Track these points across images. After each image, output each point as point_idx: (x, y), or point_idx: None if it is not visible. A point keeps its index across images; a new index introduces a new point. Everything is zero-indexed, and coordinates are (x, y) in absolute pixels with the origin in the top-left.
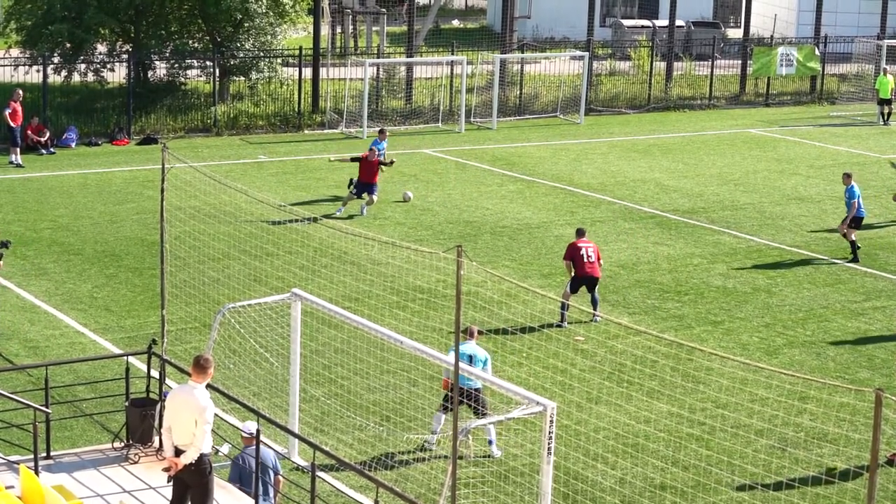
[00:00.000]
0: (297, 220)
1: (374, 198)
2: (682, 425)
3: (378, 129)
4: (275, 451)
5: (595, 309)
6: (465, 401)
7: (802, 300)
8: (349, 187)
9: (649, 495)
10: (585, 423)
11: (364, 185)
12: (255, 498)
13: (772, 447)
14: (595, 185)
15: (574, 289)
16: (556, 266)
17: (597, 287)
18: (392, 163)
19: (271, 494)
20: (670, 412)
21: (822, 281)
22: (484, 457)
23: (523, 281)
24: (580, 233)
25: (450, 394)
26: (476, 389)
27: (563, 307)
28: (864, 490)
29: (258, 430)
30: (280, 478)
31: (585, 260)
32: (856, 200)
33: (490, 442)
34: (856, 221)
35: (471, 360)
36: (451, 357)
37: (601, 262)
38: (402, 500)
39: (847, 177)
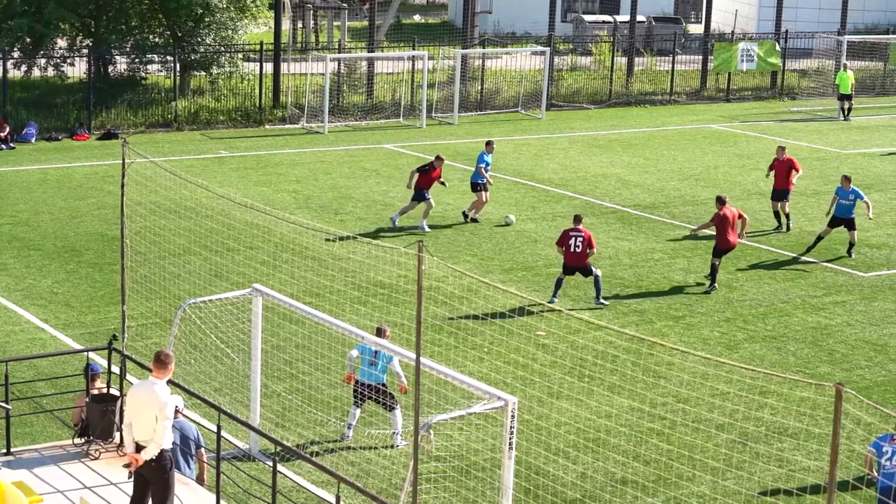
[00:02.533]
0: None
1: (431, 202)
2: (643, 420)
3: (486, 140)
4: (198, 424)
5: (598, 293)
6: (371, 395)
7: (763, 295)
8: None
9: (610, 490)
10: (547, 418)
11: (420, 190)
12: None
13: (732, 441)
14: (556, 181)
15: (566, 273)
16: (517, 261)
17: (591, 274)
18: (444, 184)
19: (192, 466)
20: (631, 407)
21: (782, 276)
22: (389, 446)
23: (484, 276)
24: (576, 219)
25: (355, 388)
26: (382, 384)
27: (557, 284)
28: (825, 484)
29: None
30: (203, 451)
31: (571, 249)
32: (865, 201)
33: (395, 433)
34: (843, 222)
35: (375, 355)
36: (356, 352)
37: (593, 249)
38: (363, 496)
39: (846, 179)
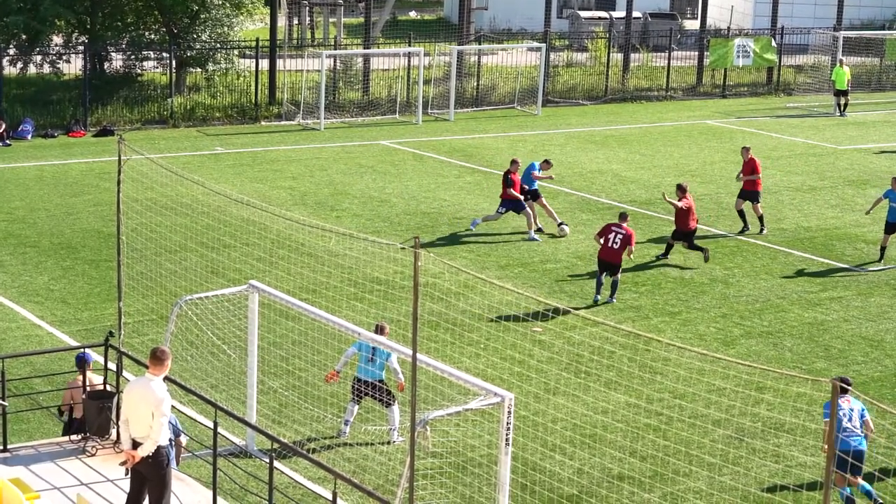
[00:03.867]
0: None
1: (525, 213)
2: (639, 416)
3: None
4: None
5: (613, 292)
6: (369, 392)
7: (759, 291)
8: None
9: (607, 486)
10: (543, 414)
11: (508, 203)
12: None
13: (729, 437)
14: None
15: (599, 268)
16: (513, 257)
17: (618, 272)
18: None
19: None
20: (628, 403)
21: (778, 272)
22: (385, 443)
23: (481, 272)
24: (622, 217)
25: (353, 384)
26: (380, 381)
27: (598, 283)
28: (821, 480)
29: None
30: (181, 440)
31: (609, 244)
32: None
33: (392, 429)
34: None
35: (373, 352)
36: (354, 349)
37: (632, 248)
38: (359, 492)
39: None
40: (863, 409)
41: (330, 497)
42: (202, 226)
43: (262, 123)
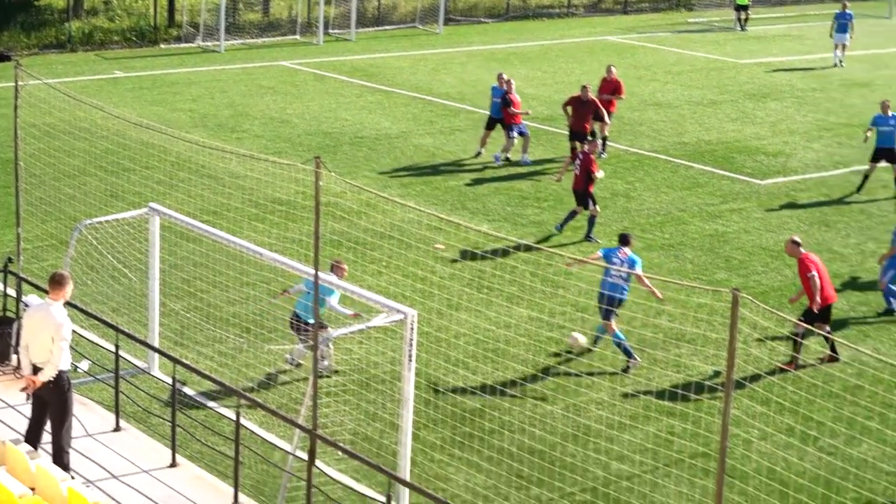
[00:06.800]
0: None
1: (510, 140)
2: (542, 329)
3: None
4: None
5: (589, 230)
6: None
7: (660, 204)
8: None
9: (510, 399)
10: (446, 330)
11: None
12: None
13: (631, 348)
14: (454, 95)
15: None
16: (416, 176)
17: (587, 202)
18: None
19: None
20: (530, 317)
21: (679, 185)
22: (295, 365)
23: (383, 191)
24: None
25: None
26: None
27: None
28: (722, 388)
29: None
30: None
31: (573, 170)
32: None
33: (322, 360)
34: (885, 154)
35: (316, 292)
36: (303, 286)
37: (594, 173)
38: (263, 411)
39: (885, 106)
40: (634, 262)
41: (233, 416)
42: (101, 150)
43: (162, 46)
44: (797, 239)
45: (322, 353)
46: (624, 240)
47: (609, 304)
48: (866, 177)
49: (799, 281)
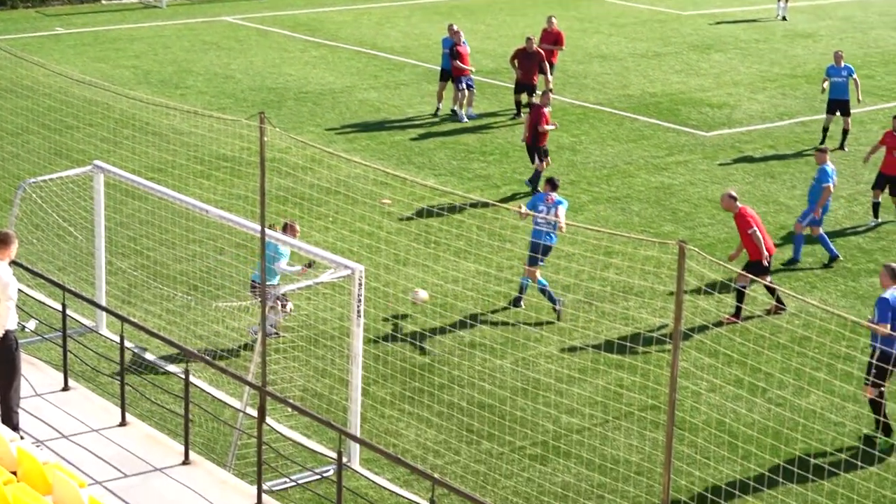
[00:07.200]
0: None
1: (460, 92)
2: (489, 283)
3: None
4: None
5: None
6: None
7: (606, 157)
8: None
9: (459, 353)
10: (394, 285)
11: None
12: None
13: (579, 301)
14: (398, 49)
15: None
16: (361, 131)
17: (534, 155)
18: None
19: None
20: (478, 271)
21: (625, 137)
22: (275, 334)
23: (328, 146)
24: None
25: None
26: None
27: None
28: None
29: None
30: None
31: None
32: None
33: (271, 325)
34: (839, 106)
35: (275, 251)
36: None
37: (541, 126)
38: (212, 369)
39: (839, 56)
40: (560, 204)
41: (182, 375)
42: (44, 108)
43: (103, 2)
44: (733, 193)
45: (271, 311)
46: (552, 183)
47: (535, 250)
48: (825, 129)
49: (738, 236)
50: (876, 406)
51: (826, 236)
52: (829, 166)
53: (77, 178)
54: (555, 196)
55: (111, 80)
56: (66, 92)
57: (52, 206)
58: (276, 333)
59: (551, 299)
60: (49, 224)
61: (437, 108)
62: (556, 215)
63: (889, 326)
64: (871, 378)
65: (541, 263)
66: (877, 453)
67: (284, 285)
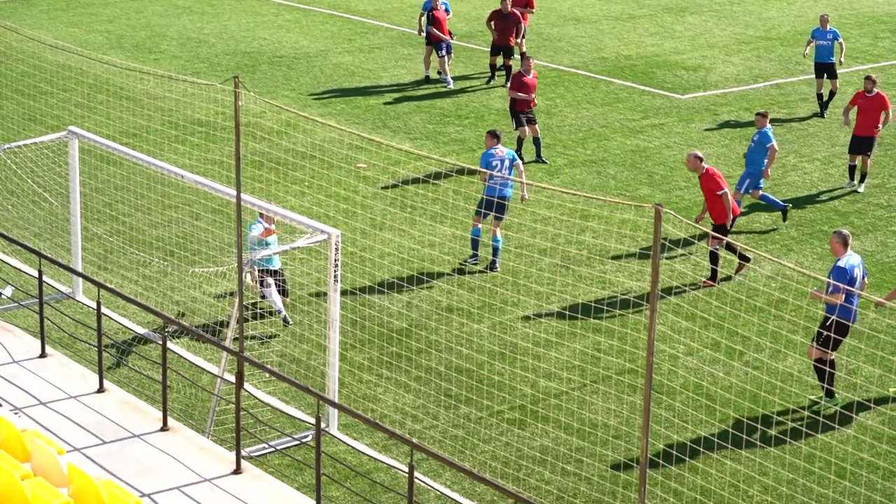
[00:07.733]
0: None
1: (440, 58)
2: (466, 248)
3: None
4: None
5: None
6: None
7: (582, 120)
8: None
9: (437, 318)
10: (371, 250)
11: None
12: None
13: (556, 266)
14: (372, 12)
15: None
16: (336, 95)
17: (514, 120)
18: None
19: None
20: (454, 235)
21: (600, 100)
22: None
23: (303, 110)
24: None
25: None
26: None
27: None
28: (646, 302)
29: None
30: None
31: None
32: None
33: (279, 311)
34: (825, 69)
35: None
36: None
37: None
38: (191, 334)
39: (825, 20)
40: (513, 158)
41: (160, 341)
42: (17, 73)
43: None
44: (700, 154)
45: (270, 300)
46: (495, 135)
47: (489, 206)
48: (819, 95)
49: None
50: (822, 372)
51: (768, 194)
52: (770, 129)
53: (52, 144)
54: (503, 149)
55: (84, 45)
56: (39, 57)
57: (27, 171)
58: (286, 319)
59: (495, 252)
60: (24, 190)
61: (427, 76)
62: (520, 172)
63: (843, 296)
64: (818, 343)
65: (501, 219)
66: (855, 416)
67: (259, 250)
